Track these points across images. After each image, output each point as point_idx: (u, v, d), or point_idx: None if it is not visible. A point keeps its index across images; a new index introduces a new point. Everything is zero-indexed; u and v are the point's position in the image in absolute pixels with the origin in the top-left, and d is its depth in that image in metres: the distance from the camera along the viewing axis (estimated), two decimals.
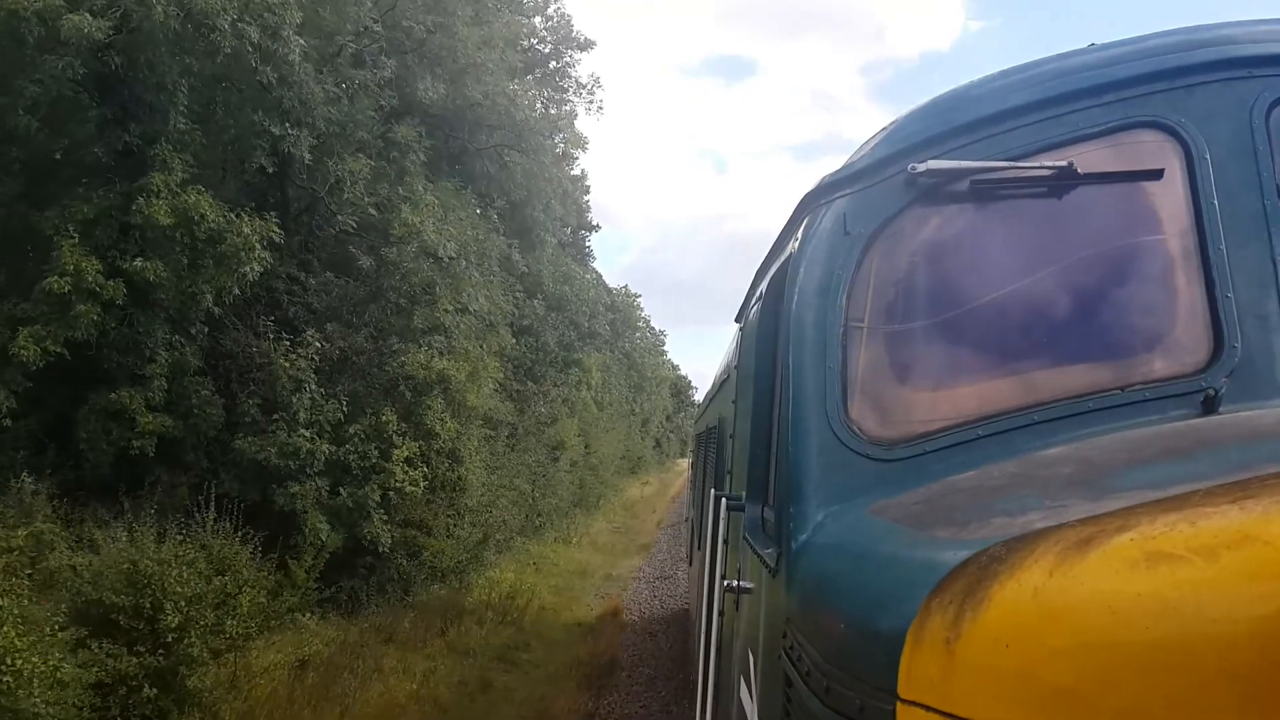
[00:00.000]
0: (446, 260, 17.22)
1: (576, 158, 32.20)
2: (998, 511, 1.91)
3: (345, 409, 14.95)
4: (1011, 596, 1.46)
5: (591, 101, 29.29)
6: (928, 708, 1.56)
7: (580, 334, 29.94)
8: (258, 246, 14.09)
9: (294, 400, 14.43)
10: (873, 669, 1.75)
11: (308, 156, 15.43)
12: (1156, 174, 2.51)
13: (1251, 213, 2.44)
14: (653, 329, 65.60)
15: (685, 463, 63.68)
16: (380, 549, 14.78)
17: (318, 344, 14.85)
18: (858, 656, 1.90)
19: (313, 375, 14.75)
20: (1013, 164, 2.53)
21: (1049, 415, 2.39)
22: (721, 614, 3.90)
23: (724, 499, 3.90)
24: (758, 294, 3.99)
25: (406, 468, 15.15)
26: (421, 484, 15.37)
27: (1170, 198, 2.51)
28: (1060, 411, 2.39)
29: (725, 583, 3.57)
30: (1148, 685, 1.30)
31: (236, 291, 14.34)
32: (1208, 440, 2.13)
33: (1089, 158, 2.52)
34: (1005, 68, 2.83)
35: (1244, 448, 1.98)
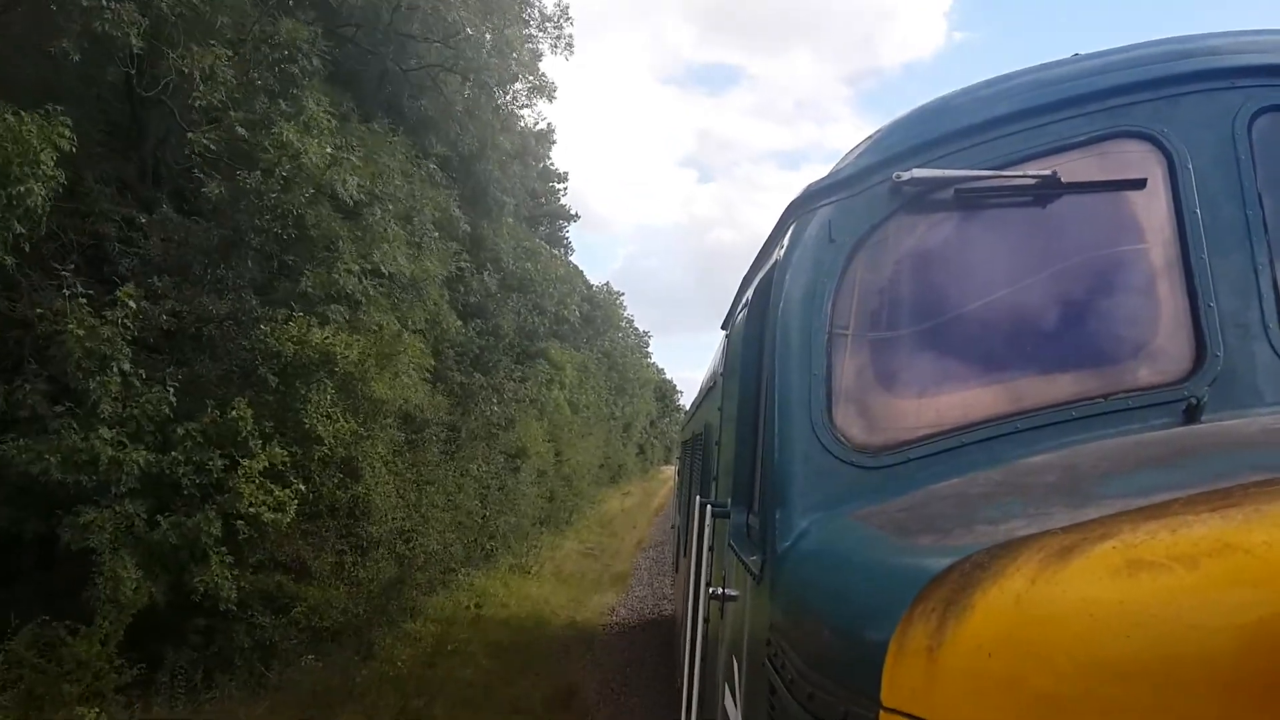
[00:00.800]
0: (350, 203, 12.63)
1: (537, 109, 27.39)
2: (981, 519, 1.92)
3: (174, 399, 10.26)
4: (994, 604, 1.47)
5: (559, 38, 23.15)
6: (911, 716, 1.54)
7: (549, 321, 25.21)
8: (47, 162, 9.46)
9: (92, 385, 9.74)
10: (856, 677, 1.74)
11: (135, 42, 10.78)
12: (1139, 183, 2.51)
13: (1233, 222, 2.44)
14: (636, 329, 61.57)
15: (670, 470, 59.26)
16: (221, 605, 10.07)
17: (133, 304, 10.15)
18: (841, 664, 1.90)
19: (126, 349, 10.06)
20: (997, 173, 2.52)
21: (1033, 423, 2.38)
22: (707, 621, 3.82)
23: (709, 505, 3.81)
24: (744, 301, 3.96)
25: (267, 484, 10.44)
26: (291, 508, 10.65)
27: (1153, 207, 2.51)
28: (1044, 420, 2.38)
29: (710, 590, 3.49)
30: (1129, 693, 1.30)
31: (20, 229, 9.67)
32: (1190, 449, 2.13)
33: (1072, 167, 2.51)
34: (989, 77, 2.81)
35: (1226, 456, 2.00)
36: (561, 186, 41.34)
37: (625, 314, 55.52)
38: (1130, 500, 1.60)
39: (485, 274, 19.73)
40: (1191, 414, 2.31)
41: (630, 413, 51.18)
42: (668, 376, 75.93)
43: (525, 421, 22.02)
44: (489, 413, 18.82)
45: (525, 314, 22.54)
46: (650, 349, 67.29)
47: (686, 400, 66.86)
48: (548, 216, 37.75)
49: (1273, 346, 2.36)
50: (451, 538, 15.22)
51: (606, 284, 51.39)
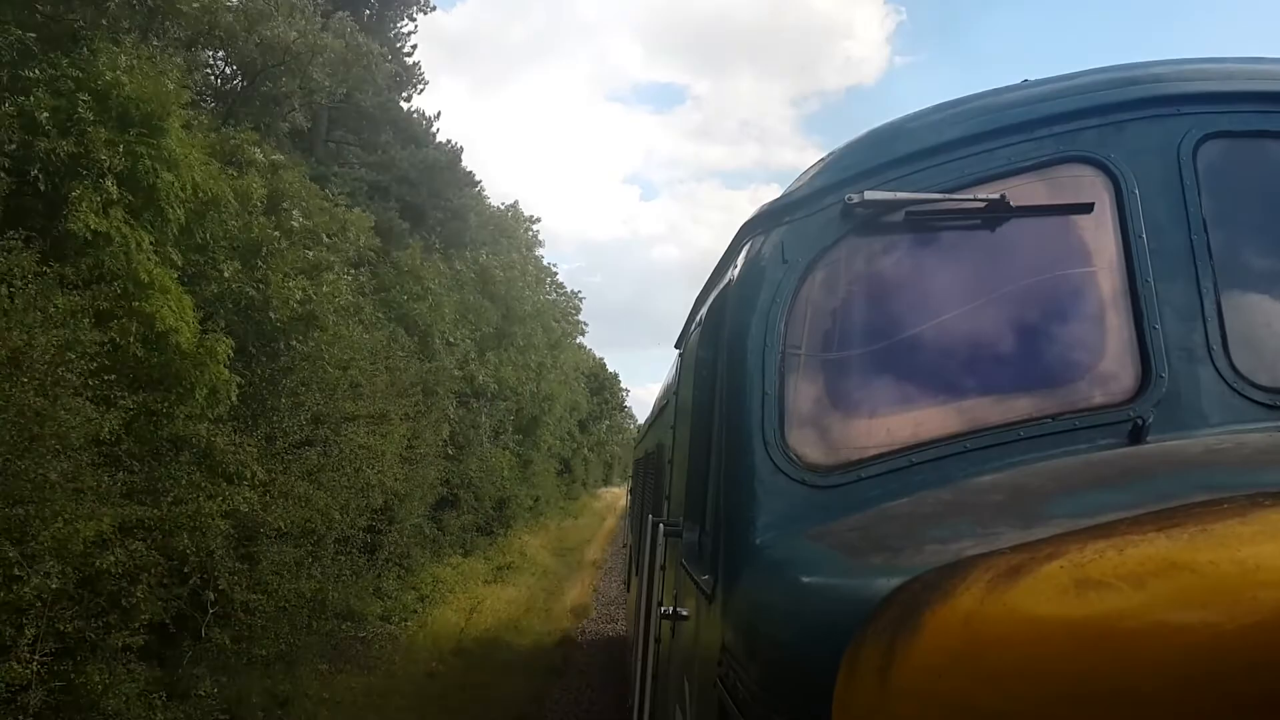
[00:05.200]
0: None
1: None
2: (931, 539, 1.94)
3: None
4: (943, 624, 1.47)
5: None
6: None
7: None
8: None
9: None
10: (807, 697, 1.76)
11: None
12: (1087, 208, 2.56)
13: (1178, 246, 2.49)
14: (561, 286, 44.01)
15: (611, 493, 49.92)
16: None
17: None
18: (792, 684, 1.92)
19: None
20: (947, 196, 2.55)
21: (981, 443, 2.42)
22: (658, 641, 3.79)
23: (661, 524, 3.73)
24: (697, 320, 3.95)
25: None
26: None
27: (1100, 231, 2.56)
28: (992, 440, 2.42)
29: (661, 610, 3.47)
30: (1078, 712, 1.31)
31: None
32: (1136, 469, 2.18)
33: (1022, 191, 2.56)
34: (941, 101, 2.88)
35: (1171, 476, 2.04)
36: None
37: (538, 242, 41.64)
38: (1078, 520, 1.61)
39: None
40: (1137, 435, 2.34)
41: (531, 393, 26.09)
42: (610, 369, 54.54)
43: None
44: None
45: None
46: (583, 318, 46.77)
47: (632, 406, 56.80)
48: None
49: (1216, 369, 2.40)
50: None
51: (515, 204, 40.34)
